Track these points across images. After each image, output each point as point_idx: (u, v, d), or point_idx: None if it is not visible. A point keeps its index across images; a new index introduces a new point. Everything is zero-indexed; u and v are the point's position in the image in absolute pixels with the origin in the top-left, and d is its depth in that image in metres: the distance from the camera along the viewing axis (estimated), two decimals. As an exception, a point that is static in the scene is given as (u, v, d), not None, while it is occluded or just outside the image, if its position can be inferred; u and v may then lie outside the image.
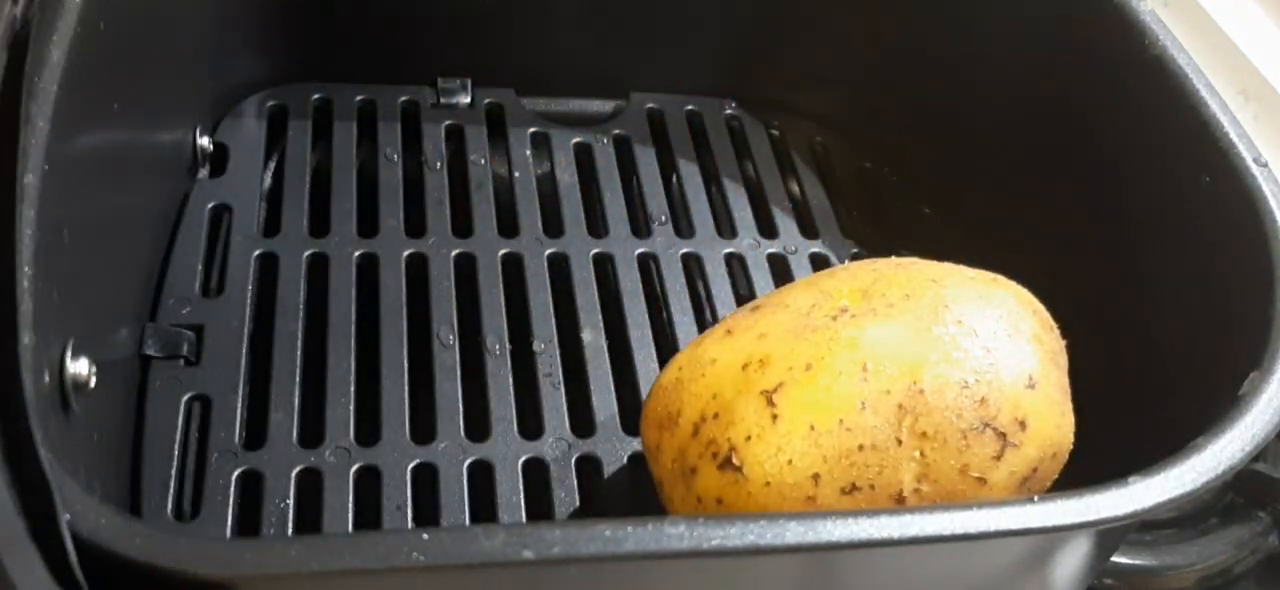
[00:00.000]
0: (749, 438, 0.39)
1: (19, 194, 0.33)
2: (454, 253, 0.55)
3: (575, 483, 0.47)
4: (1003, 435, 0.39)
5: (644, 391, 0.50)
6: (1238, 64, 0.71)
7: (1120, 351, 0.48)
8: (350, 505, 0.45)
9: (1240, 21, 0.73)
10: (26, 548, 0.27)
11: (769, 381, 0.39)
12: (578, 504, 0.47)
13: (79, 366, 0.36)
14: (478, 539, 0.30)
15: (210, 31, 0.57)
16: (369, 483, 0.46)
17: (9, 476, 0.28)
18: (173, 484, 0.44)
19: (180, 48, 0.53)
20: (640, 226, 0.59)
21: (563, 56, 0.64)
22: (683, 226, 0.60)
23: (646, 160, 0.62)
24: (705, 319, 0.55)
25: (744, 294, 0.57)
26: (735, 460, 0.39)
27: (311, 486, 0.45)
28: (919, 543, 0.32)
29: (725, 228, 0.60)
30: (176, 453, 0.45)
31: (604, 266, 0.57)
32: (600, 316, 0.54)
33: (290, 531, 0.44)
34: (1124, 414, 0.45)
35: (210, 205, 0.55)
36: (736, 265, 0.58)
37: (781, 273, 0.58)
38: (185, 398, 0.47)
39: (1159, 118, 0.48)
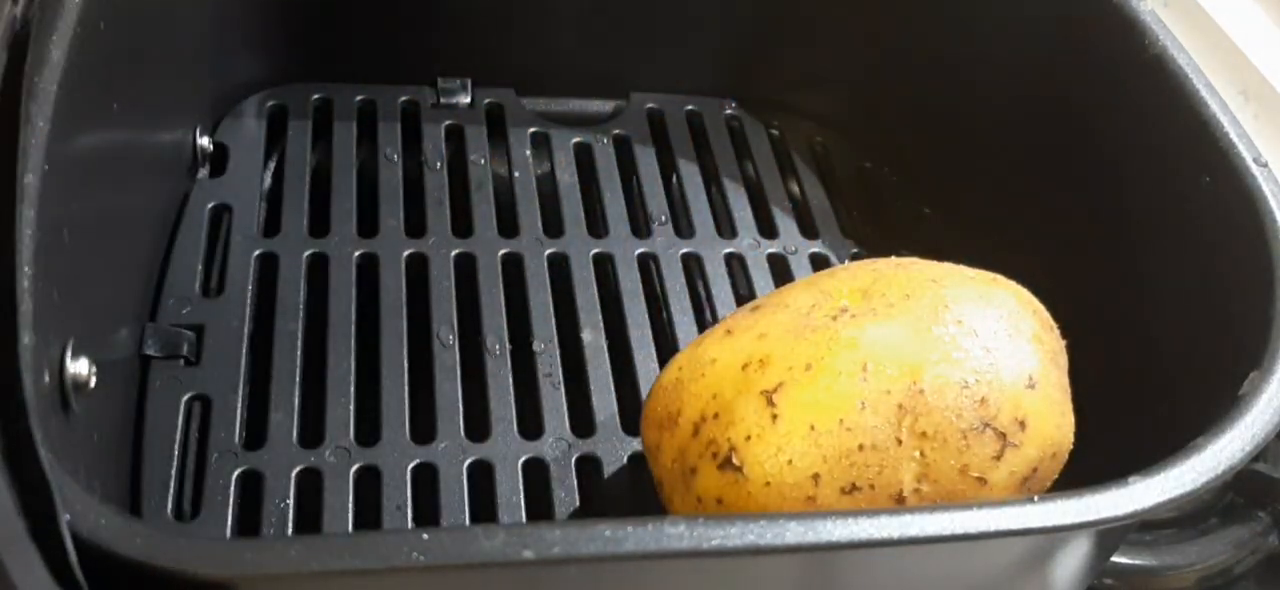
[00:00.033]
0: (749, 438, 0.39)
1: (19, 194, 0.33)
2: (454, 253, 0.55)
3: (575, 483, 0.47)
4: (1003, 435, 0.39)
5: (644, 391, 0.50)
6: (1238, 64, 0.71)
7: (1120, 351, 0.48)
8: (350, 505, 0.45)
9: (1240, 21, 0.73)
10: (26, 548, 0.27)
11: (769, 381, 0.39)
12: (578, 504, 0.47)
13: (79, 366, 0.36)
14: (478, 539, 0.30)
15: (210, 31, 0.57)
16: (369, 483, 0.46)
17: (9, 476, 0.28)
18: (173, 484, 0.44)
19: (180, 48, 0.53)
20: (640, 226, 0.59)
21: (563, 56, 0.64)
22: (683, 226, 0.60)
23: (646, 160, 0.62)
24: (705, 319, 0.55)
25: (744, 294, 0.57)
26: (735, 460, 0.39)
27: (311, 486, 0.45)
28: (919, 543, 0.32)
29: (725, 228, 0.60)
30: (176, 453, 0.45)
31: (604, 266, 0.57)
32: (600, 316, 0.54)
33: (290, 531, 0.44)
34: (1124, 414, 0.45)
35: (210, 205, 0.55)
36: (736, 265, 0.58)
37: (781, 273, 0.58)
38: (185, 398, 0.47)
39: (1159, 118, 0.48)
